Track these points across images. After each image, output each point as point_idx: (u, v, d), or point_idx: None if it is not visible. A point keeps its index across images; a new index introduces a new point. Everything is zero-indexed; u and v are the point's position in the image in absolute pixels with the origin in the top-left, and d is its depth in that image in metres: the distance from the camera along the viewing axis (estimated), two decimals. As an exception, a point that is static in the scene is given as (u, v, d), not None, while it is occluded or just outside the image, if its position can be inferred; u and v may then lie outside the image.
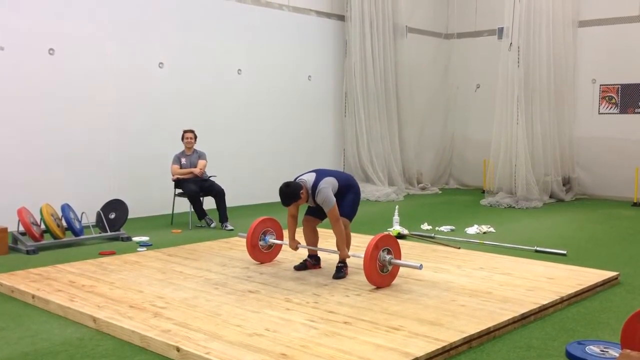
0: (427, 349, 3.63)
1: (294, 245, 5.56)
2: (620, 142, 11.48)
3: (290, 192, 5.17)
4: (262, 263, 5.88)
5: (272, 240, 5.87)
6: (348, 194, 5.39)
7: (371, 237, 5.12)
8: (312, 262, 5.67)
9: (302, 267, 5.62)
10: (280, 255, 6.10)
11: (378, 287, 4.98)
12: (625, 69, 11.37)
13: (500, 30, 11.39)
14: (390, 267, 5.03)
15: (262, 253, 5.89)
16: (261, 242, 5.86)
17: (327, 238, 6.30)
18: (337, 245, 5.31)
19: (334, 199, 5.21)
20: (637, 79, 11.28)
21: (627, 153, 11.34)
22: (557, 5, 11.26)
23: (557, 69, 11.38)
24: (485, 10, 13.10)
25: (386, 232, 5.18)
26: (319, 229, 5.69)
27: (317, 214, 5.53)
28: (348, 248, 5.42)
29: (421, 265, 4.98)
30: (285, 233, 5.86)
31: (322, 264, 5.73)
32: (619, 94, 11.50)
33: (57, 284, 5.12)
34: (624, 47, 11.34)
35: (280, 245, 6.00)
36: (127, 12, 8.78)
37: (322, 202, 5.20)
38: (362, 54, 11.62)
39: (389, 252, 4.99)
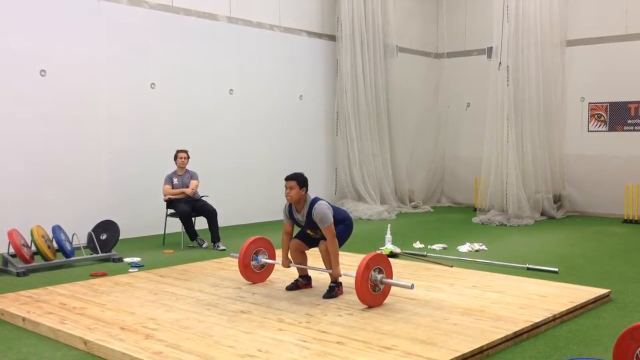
0: (420, 368, 3.62)
1: (287, 264, 5.55)
2: (609, 159, 11.57)
3: (300, 175, 5.23)
4: (254, 283, 5.86)
5: (264, 260, 5.86)
6: (339, 226, 5.38)
7: (363, 256, 5.12)
8: (303, 282, 5.66)
9: (293, 287, 5.61)
10: (272, 275, 6.08)
11: (370, 307, 4.97)
12: (613, 87, 11.50)
13: (490, 49, 11.52)
14: (382, 287, 5.02)
15: (255, 273, 5.87)
16: (253, 262, 5.84)
17: (317, 257, 6.27)
18: (331, 263, 5.29)
19: (332, 217, 5.21)
20: (625, 97, 11.40)
21: (617, 170, 11.42)
22: (545, 25, 11.40)
23: (546, 87, 11.49)
24: (475, 30, 13.24)
25: (378, 252, 5.17)
26: (307, 251, 5.68)
27: (306, 240, 5.51)
28: None
29: (412, 284, 4.98)
30: (278, 252, 5.84)
31: (314, 283, 5.71)
32: (608, 112, 11.62)
33: (47, 306, 5.08)
34: (612, 66, 11.47)
35: (273, 265, 5.98)
36: (118, 33, 8.82)
37: (319, 219, 5.18)
38: (353, 74, 11.70)
39: (380, 272, 4.99)
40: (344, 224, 5.43)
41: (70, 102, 8.36)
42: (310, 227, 5.36)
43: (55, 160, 8.22)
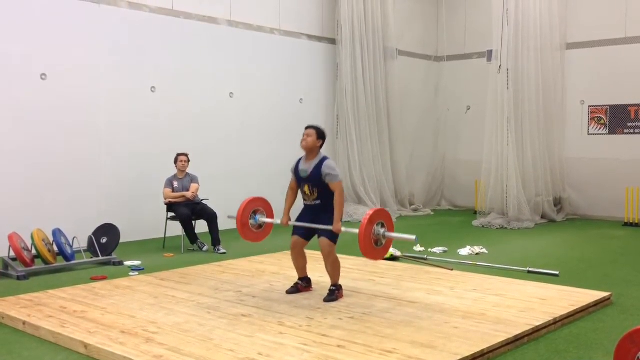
0: (420, 372, 3.62)
1: (286, 221, 5.51)
2: (609, 162, 11.58)
3: (321, 128, 5.53)
4: (253, 242, 5.79)
5: (262, 219, 5.77)
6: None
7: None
8: (303, 285, 5.66)
9: (294, 290, 5.61)
10: (272, 278, 6.08)
11: (372, 260, 4.96)
12: (613, 90, 11.51)
13: (490, 52, 11.53)
14: (384, 241, 5.00)
15: (253, 232, 5.76)
16: (251, 221, 5.75)
17: (318, 260, 6.27)
18: (334, 217, 5.19)
19: (340, 174, 5.31)
20: (625, 100, 11.41)
21: (617, 173, 11.43)
22: (545, 28, 11.41)
23: (546, 90, 11.50)
24: (475, 33, 13.25)
25: (379, 207, 5.13)
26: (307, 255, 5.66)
27: (304, 233, 5.46)
28: (338, 274, 5.41)
29: (416, 237, 4.96)
30: (277, 217, 5.75)
31: (314, 286, 5.71)
32: (608, 115, 11.63)
33: (48, 309, 5.07)
34: (612, 69, 11.49)
35: (271, 225, 5.85)
36: (119, 37, 8.83)
37: (329, 171, 5.24)
38: (353, 77, 11.71)
39: (382, 226, 4.97)
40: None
41: (71, 105, 8.37)
42: (311, 181, 5.30)
43: (56, 164, 8.23)
